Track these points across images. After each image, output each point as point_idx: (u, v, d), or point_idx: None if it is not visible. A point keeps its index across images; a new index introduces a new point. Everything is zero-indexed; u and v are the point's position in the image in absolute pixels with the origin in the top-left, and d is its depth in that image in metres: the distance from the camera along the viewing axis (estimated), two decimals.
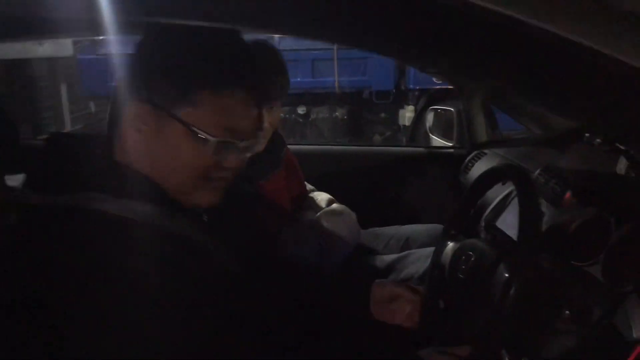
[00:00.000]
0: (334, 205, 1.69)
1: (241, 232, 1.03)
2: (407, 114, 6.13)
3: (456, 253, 1.08)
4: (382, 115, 6.32)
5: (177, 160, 0.80)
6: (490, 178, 1.18)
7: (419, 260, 1.56)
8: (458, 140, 2.24)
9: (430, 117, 2.42)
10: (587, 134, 1.41)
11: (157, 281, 0.71)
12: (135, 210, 0.76)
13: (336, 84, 6.06)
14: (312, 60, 5.96)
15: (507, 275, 0.94)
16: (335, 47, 5.80)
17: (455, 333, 1.04)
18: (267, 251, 1.32)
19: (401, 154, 2.43)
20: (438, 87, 5.87)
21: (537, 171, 1.45)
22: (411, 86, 6.09)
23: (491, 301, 0.95)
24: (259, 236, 1.30)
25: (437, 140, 2.38)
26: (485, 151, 2.04)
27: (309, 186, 1.83)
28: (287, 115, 6.14)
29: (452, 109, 2.24)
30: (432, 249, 1.56)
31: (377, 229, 1.88)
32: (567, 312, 0.89)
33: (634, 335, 0.89)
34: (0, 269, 0.71)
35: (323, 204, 1.72)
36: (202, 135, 0.78)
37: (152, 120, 0.79)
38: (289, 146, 1.72)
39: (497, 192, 1.38)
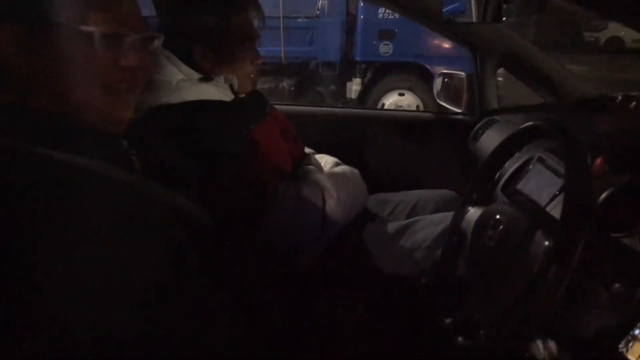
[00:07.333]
0: (341, 167, 1.53)
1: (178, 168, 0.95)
2: (354, 87, 6.02)
3: (481, 218, 0.95)
4: (332, 87, 6.14)
5: (68, 72, 0.70)
6: (524, 136, 1.05)
7: (429, 226, 1.43)
8: (467, 107, 2.07)
9: (438, 82, 2.25)
10: (619, 97, 1.32)
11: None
12: (51, 155, 0.67)
13: (282, 54, 5.83)
14: None
15: (547, 243, 0.82)
16: (281, 15, 5.56)
17: (478, 309, 0.92)
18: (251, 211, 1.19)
19: (408, 118, 2.29)
20: (385, 60, 5.80)
21: None
22: (358, 58, 5.95)
23: (527, 273, 0.84)
24: (247, 185, 1.17)
25: (444, 107, 2.22)
26: (497, 118, 1.90)
27: (308, 150, 1.62)
28: None
29: (462, 74, 2.08)
30: (442, 214, 1.46)
31: (382, 194, 1.73)
32: (618, 285, 0.79)
33: None
34: None
35: (328, 165, 1.56)
36: (84, 29, 0.69)
37: (24, 39, 0.68)
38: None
39: (515, 158, 1.23)
